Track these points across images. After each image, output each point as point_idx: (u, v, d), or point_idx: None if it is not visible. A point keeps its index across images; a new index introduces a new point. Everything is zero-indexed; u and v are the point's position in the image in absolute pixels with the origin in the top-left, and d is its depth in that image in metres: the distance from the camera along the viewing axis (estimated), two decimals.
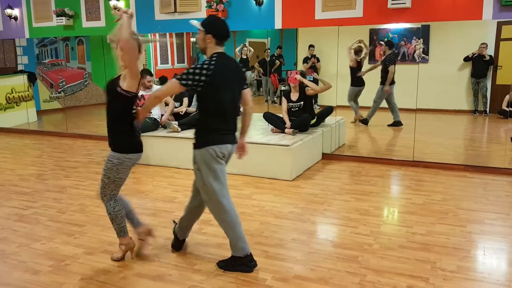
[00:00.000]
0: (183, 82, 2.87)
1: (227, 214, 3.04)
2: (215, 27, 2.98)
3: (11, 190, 5.07)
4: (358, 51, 7.55)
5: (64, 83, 10.11)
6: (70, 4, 8.29)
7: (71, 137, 8.29)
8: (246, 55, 9.01)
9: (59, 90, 10.12)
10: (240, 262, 3.07)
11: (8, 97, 9.24)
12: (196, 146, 3.01)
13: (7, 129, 9.07)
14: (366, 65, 7.75)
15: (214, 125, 2.97)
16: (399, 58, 8.28)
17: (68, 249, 3.47)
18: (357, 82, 7.60)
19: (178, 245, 3.42)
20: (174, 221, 3.50)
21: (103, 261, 3.26)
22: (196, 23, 3.01)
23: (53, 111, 10.02)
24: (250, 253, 3.09)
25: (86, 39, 9.86)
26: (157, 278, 3.01)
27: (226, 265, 3.11)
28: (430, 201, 4.48)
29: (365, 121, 7.74)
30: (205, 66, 2.86)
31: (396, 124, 7.60)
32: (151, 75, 6.21)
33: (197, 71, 2.85)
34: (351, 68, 7.55)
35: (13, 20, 9.05)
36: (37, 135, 8.70)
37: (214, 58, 2.91)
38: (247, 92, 3.16)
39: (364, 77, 7.62)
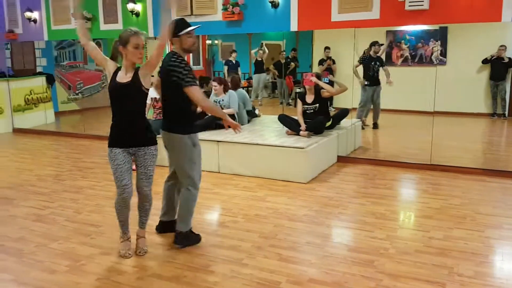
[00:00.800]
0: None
1: None
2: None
3: (29, 190, 5.15)
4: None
5: (81, 85, 10.25)
6: (88, 7, 8.40)
7: (88, 138, 8.39)
8: (261, 58, 9.01)
9: (77, 91, 10.25)
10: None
11: (27, 98, 9.40)
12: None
13: (25, 129, 9.23)
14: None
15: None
16: (416, 60, 8.21)
17: (84, 249, 3.51)
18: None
19: (161, 226, 3.81)
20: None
21: (119, 262, 3.28)
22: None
23: (70, 113, 10.16)
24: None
25: (103, 42, 9.97)
26: (172, 279, 3.02)
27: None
28: (447, 205, 4.42)
29: (375, 125, 7.64)
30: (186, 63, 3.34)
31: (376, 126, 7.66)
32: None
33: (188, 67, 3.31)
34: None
35: (32, 23, 9.20)
36: (54, 136, 8.82)
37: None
38: (187, 90, 3.30)
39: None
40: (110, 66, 3.20)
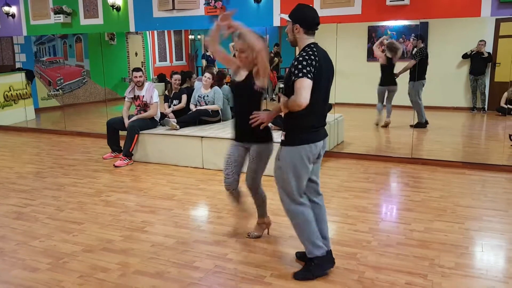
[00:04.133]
0: (310, 75, 2.63)
1: None
2: (300, 14, 2.83)
3: (9, 188, 5.06)
4: (392, 48, 7.35)
5: (62, 80, 10.10)
6: (68, 2, 8.26)
7: (69, 135, 8.28)
8: None
9: (57, 87, 10.10)
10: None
11: (6, 95, 9.22)
12: (286, 143, 2.92)
13: (5, 127, 9.06)
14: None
15: (311, 122, 2.83)
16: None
17: (66, 247, 3.47)
18: (387, 81, 7.34)
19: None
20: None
21: (102, 259, 3.26)
22: (284, 15, 2.91)
23: (51, 109, 10.00)
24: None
25: (84, 37, 9.83)
26: (156, 276, 3.01)
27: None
28: (428, 198, 4.49)
29: (421, 125, 7.21)
30: (312, 57, 2.68)
31: (421, 125, 7.40)
32: (137, 70, 6.18)
33: (309, 61, 2.65)
34: (382, 66, 7.35)
35: (10, 17, 9.02)
36: (35, 133, 8.69)
37: (314, 48, 2.75)
38: None
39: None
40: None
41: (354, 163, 5.91)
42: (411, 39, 7.76)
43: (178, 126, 5.99)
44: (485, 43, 7.60)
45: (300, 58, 2.68)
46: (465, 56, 7.90)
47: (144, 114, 6.15)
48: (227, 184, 3.43)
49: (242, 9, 6.87)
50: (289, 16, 2.85)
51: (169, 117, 6.37)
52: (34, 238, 3.65)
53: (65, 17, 8.29)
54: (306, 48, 2.76)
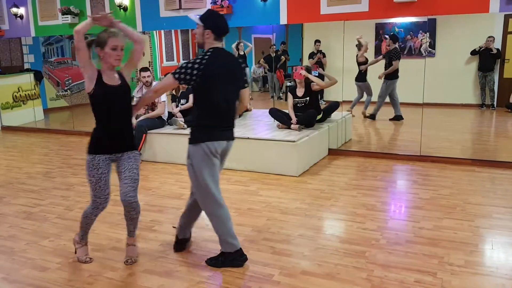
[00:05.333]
0: (176, 76, 2.89)
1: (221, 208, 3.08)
2: (214, 22, 2.96)
3: (19, 188, 5.10)
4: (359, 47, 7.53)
5: (70, 81, 10.15)
6: (75, 2, 8.31)
7: (78, 134, 8.33)
8: (243, 51, 8.98)
9: (66, 88, 10.16)
10: (230, 258, 3.08)
11: (15, 95, 9.30)
12: (191, 141, 2.98)
13: (14, 127, 9.14)
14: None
15: (209, 122, 2.94)
16: (405, 52, 8.24)
17: None
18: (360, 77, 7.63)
19: (178, 245, 3.38)
20: (174, 226, 3.55)
21: (111, 258, 3.28)
22: (195, 17, 3.00)
23: (59, 109, 10.07)
24: (240, 248, 3.10)
25: (91, 37, 9.88)
26: (165, 274, 3.02)
27: (216, 262, 3.11)
28: (437, 195, 4.46)
29: (372, 116, 7.71)
30: (197, 61, 2.86)
31: (397, 118, 7.57)
32: (145, 70, 6.20)
33: (190, 65, 2.86)
34: (362, 63, 7.59)
35: (19, 18, 9.09)
36: (44, 133, 8.75)
37: (208, 53, 2.91)
38: (245, 92, 3.15)
39: (368, 72, 7.58)
40: (93, 68, 3.03)
41: (362, 161, 5.88)
42: (387, 40, 7.81)
43: (185, 126, 6.01)
44: (494, 39, 7.55)
45: (188, 61, 2.88)
46: (473, 53, 7.85)
47: (152, 113, 6.18)
48: (107, 205, 3.18)
49: (249, 7, 6.86)
50: (202, 21, 2.94)
51: (176, 117, 6.39)
52: (43, 238, 3.68)
53: (73, 17, 8.33)
54: (202, 54, 2.92)
